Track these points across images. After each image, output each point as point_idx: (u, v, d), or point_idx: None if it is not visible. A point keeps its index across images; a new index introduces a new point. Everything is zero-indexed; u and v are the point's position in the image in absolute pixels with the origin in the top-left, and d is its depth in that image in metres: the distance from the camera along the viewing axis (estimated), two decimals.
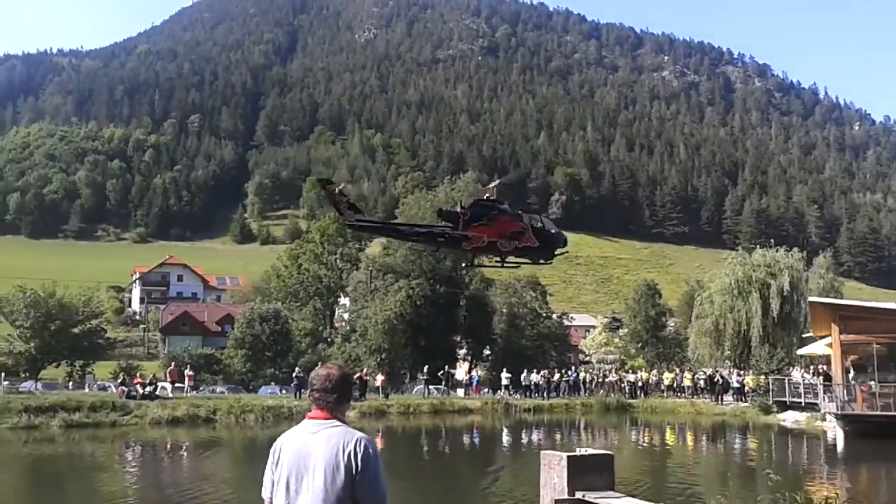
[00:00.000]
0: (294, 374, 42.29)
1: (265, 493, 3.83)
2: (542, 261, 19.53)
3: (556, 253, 18.23)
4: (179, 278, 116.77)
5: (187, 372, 44.14)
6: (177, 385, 41.47)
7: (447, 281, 55.79)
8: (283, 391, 45.34)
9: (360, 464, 3.60)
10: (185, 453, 27.78)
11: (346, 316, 66.30)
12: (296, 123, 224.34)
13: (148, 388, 37.06)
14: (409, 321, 52.00)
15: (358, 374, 42.73)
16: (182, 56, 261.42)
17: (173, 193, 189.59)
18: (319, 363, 4.46)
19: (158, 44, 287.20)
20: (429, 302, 53.03)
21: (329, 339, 62.21)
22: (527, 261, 17.42)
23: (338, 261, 67.34)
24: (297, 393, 40.65)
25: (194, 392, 42.87)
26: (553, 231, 17.75)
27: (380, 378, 43.76)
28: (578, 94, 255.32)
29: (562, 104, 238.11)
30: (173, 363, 48.19)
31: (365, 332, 52.99)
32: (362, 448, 3.64)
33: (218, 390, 47.55)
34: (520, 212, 16.82)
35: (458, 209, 15.56)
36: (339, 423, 3.77)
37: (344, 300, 68.41)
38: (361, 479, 3.61)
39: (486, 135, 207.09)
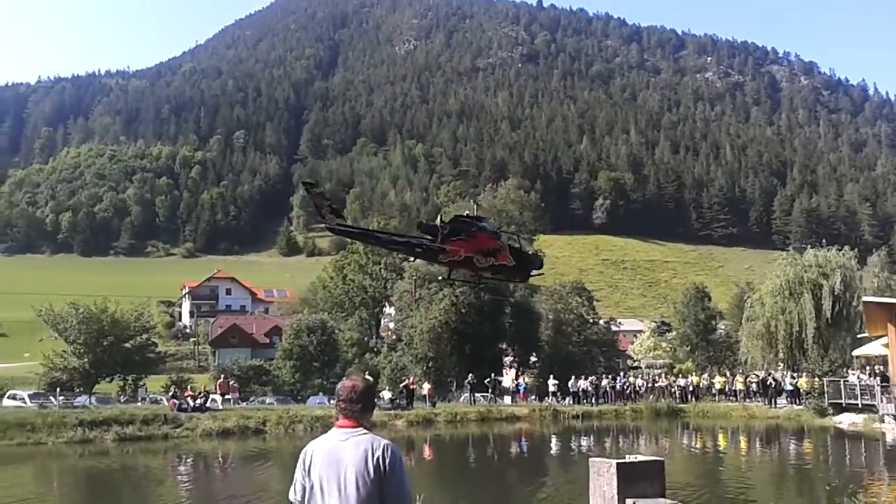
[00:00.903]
0: None
1: (293, 497, 4.12)
2: (516, 280, 20.01)
3: (531, 273, 18.46)
4: (228, 292, 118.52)
5: (232, 384, 44.58)
6: (227, 397, 41.95)
7: (492, 289, 55.56)
8: (331, 401, 45.32)
9: (387, 468, 3.93)
10: (236, 465, 28.06)
11: (391, 325, 66.53)
12: (338, 136, 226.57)
13: (199, 401, 37.55)
14: (455, 329, 51.95)
15: (405, 383, 42.88)
16: (226, 73, 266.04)
17: (220, 208, 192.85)
18: (345, 377, 4.79)
19: (203, 62, 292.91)
20: (473, 309, 52.90)
21: (375, 349, 62.48)
22: (502, 278, 17.63)
23: (382, 271, 67.64)
24: None
25: (243, 404, 43.31)
26: (530, 252, 18.12)
27: (426, 387, 43.75)
28: (620, 97, 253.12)
29: (604, 108, 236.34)
30: (223, 375, 48.76)
31: (410, 340, 53.08)
32: (390, 454, 3.97)
33: (267, 401, 47.95)
34: (498, 230, 16.98)
35: (439, 223, 15.74)
36: (365, 430, 4.09)
37: (389, 310, 68.69)
38: (389, 481, 3.92)
39: (528, 141, 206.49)
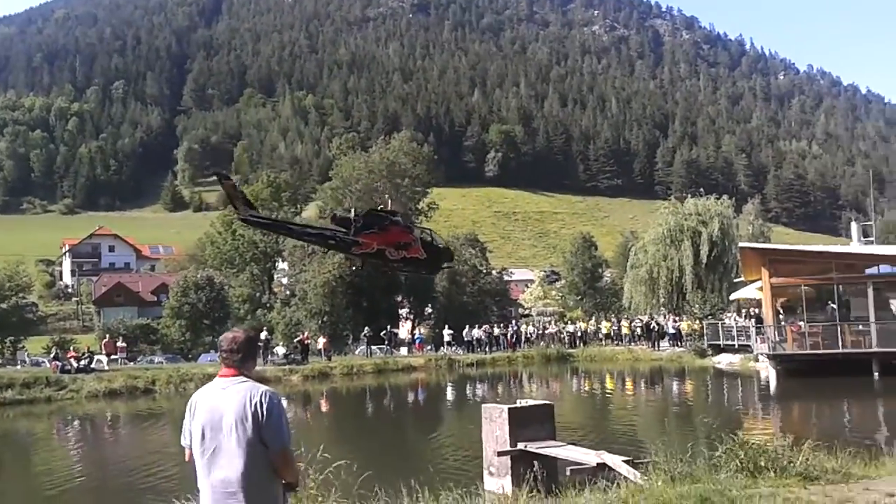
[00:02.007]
0: None
1: (184, 441, 4.33)
2: (426, 272, 20.81)
3: (441, 266, 18.79)
4: (111, 249, 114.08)
5: (119, 343, 43.26)
6: (113, 357, 40.64)
7: None
8: None
9: (265, 413, 4.09)
10: (126, 426, 27.34)
11: (284, 280, 65.61)
12: (224, 87, 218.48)
13: (83, 362, 36.14)
14: (350, 283, 51.71)
15: (299, 338, 42.59)
16: (103, 20, 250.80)
17: (100, 163, 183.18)
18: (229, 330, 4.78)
19: (77, 8, 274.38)
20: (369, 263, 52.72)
21: (268, 305, 61.54)
22: (412, 270, 18.09)
23: None
24: None
25: (131, 364, 42.10)
26: (441, 245, 18.38)
27: (321, 341, 43.59)
28: (511, 50, 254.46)
29: (494, 61, 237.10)
30: (108, 335, 47.21)
31: (304, 295, 52.56)
32: (267, 400, 4.13)
33: (156, 360, 46.78)
34: (410, 224, 17.38)
35: (352, 216, 16.12)
36: (245, 378, 4.24)
37: (282, 265, 67.62)
38: (267, 426, 4.09)
39: (420, 93, 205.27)
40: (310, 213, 67.29)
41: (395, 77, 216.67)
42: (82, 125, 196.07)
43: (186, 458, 4.32)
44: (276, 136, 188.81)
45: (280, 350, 43.14)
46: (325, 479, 8.48)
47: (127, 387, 32.60)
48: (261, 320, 55.50)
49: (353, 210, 16.82)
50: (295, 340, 43.76)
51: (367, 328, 44.84)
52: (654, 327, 44.61)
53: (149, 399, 31.96)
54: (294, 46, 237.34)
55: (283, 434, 4.15)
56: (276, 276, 69.90)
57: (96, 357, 39.23)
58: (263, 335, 43.98)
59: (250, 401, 4.10)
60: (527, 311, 73.66)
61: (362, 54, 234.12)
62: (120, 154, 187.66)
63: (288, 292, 59.65)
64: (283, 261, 65.05)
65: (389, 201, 18.58)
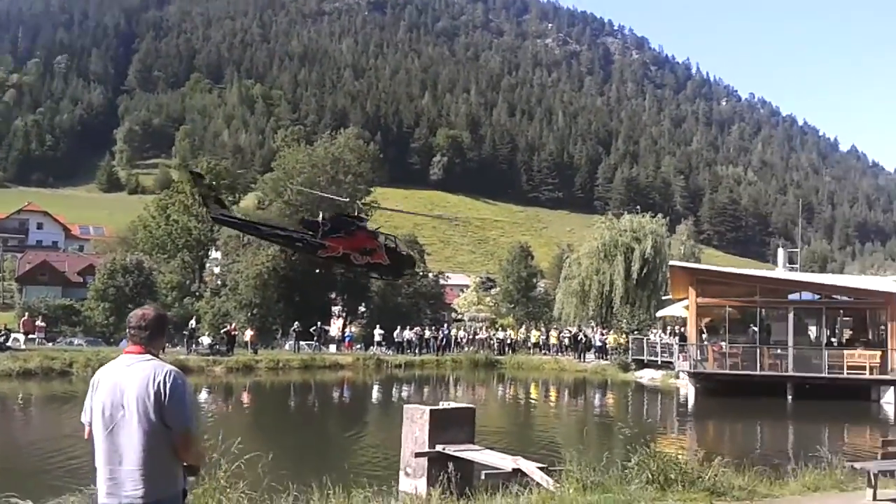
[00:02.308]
0: None
1: (84, 418, 4.22)
2: (389, 277, 21.06)
3: (404, 273, 19.04)
4: (39, 226, 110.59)
5: (38, 322, 41.95)
6: (31, 336, 39.36)
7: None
8: None
9: (168, 392, 3.97)
10: (39, 407, 26.47)
11: (216, 270, 64.49)
12: (171, 69, 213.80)
13: None
14: (283, 276, 51.15)
15: (226, 329, 41.91)
16: None
17: (35, 137, 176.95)
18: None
19: None
20: (304, 257, 52.24)
21: (197, 293, 60.38)
22: (376, 276, 18.53)
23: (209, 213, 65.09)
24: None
25: (49, 344, 40.86)
26: (404, 253, 19.01)
27: (249, 333, 42.99)
28: (464, 56, 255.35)
29: (447, 65, 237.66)
30: (27, 313, 45.77)
31: (235, 286, 51.75)
32: (171, 378, 4.01)
33: (76, 343, 45.45)
34: (376, 231, 17.60)
35: (320, 219, 15.91)
36: (151, 357, 4.13)
37: (215, 254, 66.46)
38: (169, 405, 3.97)
39: (370, 92, 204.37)
40: (248, 202, 66.24)
41: (347, 73, 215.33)
42: (20, 98, 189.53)
43: (86, 436, 4.22)
44: (220, 123, 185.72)
45: (206, 340, 42.36)
46: (235, 471, 8.35)
47: (42, 367, 31.62)
48: (189, 308, 54.47)
49: (322, 213, 16.84)
50: (221, 331, 43.03)
51: (296, 323, 44.32)
52: (581, 339, 45.27)
53: (65, 381, 31.01)
54: (246, 34, 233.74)
55: (186, 415, 4.04)
56: (207, 265, 68.68)
57: (13, 335, 37.94)
58: (191, 324, 43.30)
59: (153, 379, 3.99)
60: (460, 316, 73.91)
61: (315, 48, 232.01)
62: (57, 130, 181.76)
63: (219, 282, 58.67)
64: (216, 250, 63.97)
65: (357, 208, 18.72)
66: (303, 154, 56.81)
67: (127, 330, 4.26)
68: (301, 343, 44.20)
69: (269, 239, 17.75)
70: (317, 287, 53.31)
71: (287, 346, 44.66)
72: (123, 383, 4.04)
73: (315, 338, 45.93)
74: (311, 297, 52.34)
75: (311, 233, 15.96)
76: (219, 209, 15.18)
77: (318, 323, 47.41)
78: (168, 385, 3.99)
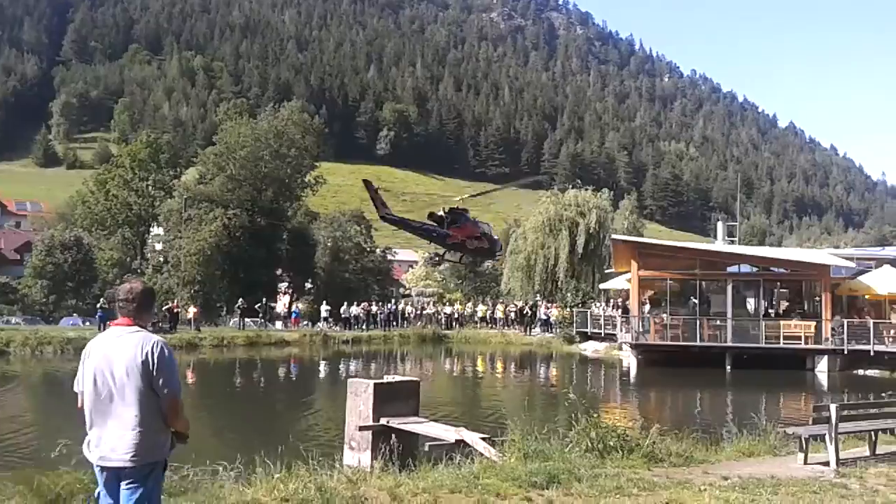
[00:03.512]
0: (98, 306, 40.14)
1: (77, 387, 4.45)
2: (488, 258, 24.15)
3: (497, 254, 23.91)
4: None
5: None
6: None
7: (268, 213, 54.44)
8: (87, 323, 42.94)
9: (156, 361, 4.26)
10: None
11: (158, 246, 63.21)
12: (108, 40, 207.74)
13: None
14: (227, 253, 50.42)
15: (168, 306, 41.18)
16: None
17: None
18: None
19: None
20: (248, 233, 51.58)
21: (139, 270, 59.18)
22: (479, 258, 20.79)
23: (150, 188, 63.64)
24: (102, 325, 38.60)
25: None
26: (495, 238, 21.16)
27: (192, 310, 42.32)
28: (409, 29, 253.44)
29: (392, 38, 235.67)
30: None
31: (178, 263, 50.84)
32: (158, 349, 4.30)
33: (13, 321, 44.24)
34: (475, 220, 20.10)
35: (442, 212, 18.85)
36: (140, 328, 4.40)
37: (157, 230, 65.10)
38: (158, 374, 4.26)
39: (315, 64, 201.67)
40: (189, 177, 64.85)
41: (290, 45, 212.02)
42: None
43: (79, 405, 4.42)
44: (160, 95, 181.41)
45: None
46: (178, 449, 8.22)
47: None
48: None
49: (442, 207, 18.96)
50: (164, 308, 42.25)
51: (241, 300, 43.76)
52: (527, 312, 45.74)
53: (2, 361, 30.15)
54: (185, 4, 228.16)
55: (174, 383, 4.34)
56: (149, 241, 67.29)
57: None
58: None
59: (142, 350, 4.26)
60: (408, 292, 73.96)
61: (257, 18, 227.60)
62: None
63: (161, 258, 57.59)
64: (157, 226, 62.68)
65: (461, 201, 20.59)
66: (245, 128, 55.73)
67: (116, 303, 4.53)
68: (246, 320, 43.71)
69: (417, 232, 19.44)
70: (262, 264, 52.75)
71: (232, 323, 44.14)
72: (114, 354, 4.31)
73: (261, 314, 45.47)
74: (256, 273, 51.73)
75: (437, 224, 18.17)
76: (384, 209, 16.69)
77: (264, 299, 46.92)
78: (156, 355, 4.27)
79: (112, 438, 4.27)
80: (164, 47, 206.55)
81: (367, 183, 20.12)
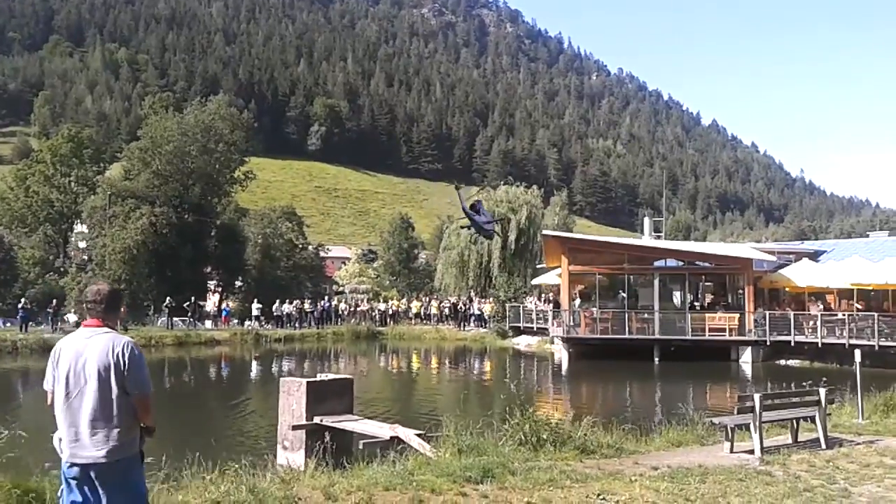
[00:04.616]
0: (20, 306, 38.76)
1: (47, 386, 4.55)
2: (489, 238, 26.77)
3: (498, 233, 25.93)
4: None
5: None
6: None
7: (196, 209, 53.32)
8: (8, 324, 41.41)
9: (127, 361, 4.38)
10: None
11: (81, 244, 61.27)
12: (27, 31, 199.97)
13: None
14: (154, 251, 49.20)
15: None
16: None
17: None
18: (88, 284, 5.01)
19: None
20: (175, 231, 50.41)
21: (62, 269, 57.27)
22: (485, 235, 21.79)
23: (72, 184, 61.64)
24: (24, 326, 37.33)
25: None
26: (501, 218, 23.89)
27: None
28: (339, 23, 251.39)
29: (322, 33, 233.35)
30: None
31: (102, 261, 49.37)
32: (129, 349, 4.42)
33: None
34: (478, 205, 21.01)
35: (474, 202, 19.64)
36: (108, 329, 4.53)
37: (80, 227, 63.09)
38: (129, 373, 4.39)
39: (243, 58, 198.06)
40: (114, 172, 63.05)
41: (217, 38, 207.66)
42: None
43: (48, 402, 4.52)
44: (82, 88, 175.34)
45: (72, 318, 40.38)
46: None
47: None
48: (52, 285, 51.62)
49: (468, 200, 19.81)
50: (121, 291, 41.01)
51: (168, 298, 42.78)
52: (461, 308, 46.00)
53: None
54: None
55: (144, 382, 4.48)
56: (72, 239, 65.20)
57: None
58: (55, 301, 41.09)
59: (112, 350, 4.38)
60: (341, 289, 73.53)
61: (183, 10, 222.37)
62: None
63: (85, 257, 55.84)
64: (81, 223, 60.75)
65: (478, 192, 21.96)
66: (172, 122, 54.42)
67: (84, 304, 4.67)
68: (175, 319, 42.80)
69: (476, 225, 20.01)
70: (190, 261, 51.66)
71: (160, 323, 43.13)
72: (84, 353, 4.43)
73: (189, 313, 44.54)
74: (184, 271, 50.62)
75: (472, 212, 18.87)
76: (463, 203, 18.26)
77: (193, 298, 45.94)
78: (126, 355, 4.40)
79: (84, 436, 4.37)
80: (86, 39, 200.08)
81: (457, 188, 23.30)
